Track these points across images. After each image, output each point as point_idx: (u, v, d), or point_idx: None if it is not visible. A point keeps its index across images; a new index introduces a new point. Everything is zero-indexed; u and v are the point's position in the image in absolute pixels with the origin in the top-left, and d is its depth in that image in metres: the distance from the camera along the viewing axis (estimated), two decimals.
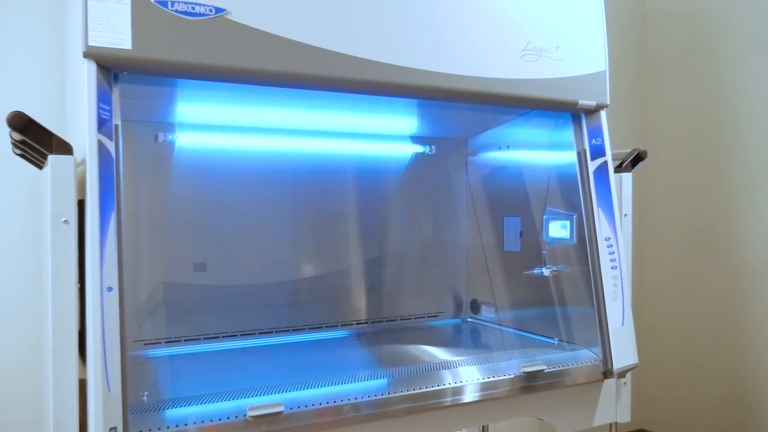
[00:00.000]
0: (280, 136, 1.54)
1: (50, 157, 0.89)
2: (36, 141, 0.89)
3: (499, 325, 1.66)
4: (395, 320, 1.69)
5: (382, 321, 1.67)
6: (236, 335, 1.48)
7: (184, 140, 1.42)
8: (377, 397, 1.09)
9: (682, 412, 2.26)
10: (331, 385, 1.10)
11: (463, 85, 1.21)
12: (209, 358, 1.37)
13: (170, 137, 1.39)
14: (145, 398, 1.01)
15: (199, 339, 1.43)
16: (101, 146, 0.91)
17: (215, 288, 1.47)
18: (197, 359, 1.36)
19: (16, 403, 1.46)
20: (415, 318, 1.72)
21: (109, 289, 0.89)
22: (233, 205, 1.50)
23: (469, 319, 1.78)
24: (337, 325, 1.60)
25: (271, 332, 1.52)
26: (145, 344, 1.38)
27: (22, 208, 1.47)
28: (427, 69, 1.17)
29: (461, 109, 1.46)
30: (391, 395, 1.10)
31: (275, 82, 1.09)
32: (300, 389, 1.07)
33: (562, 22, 1.33)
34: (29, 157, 1.08)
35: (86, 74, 0.91)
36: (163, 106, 1.31)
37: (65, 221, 0.89)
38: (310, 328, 1.56)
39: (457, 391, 1.16)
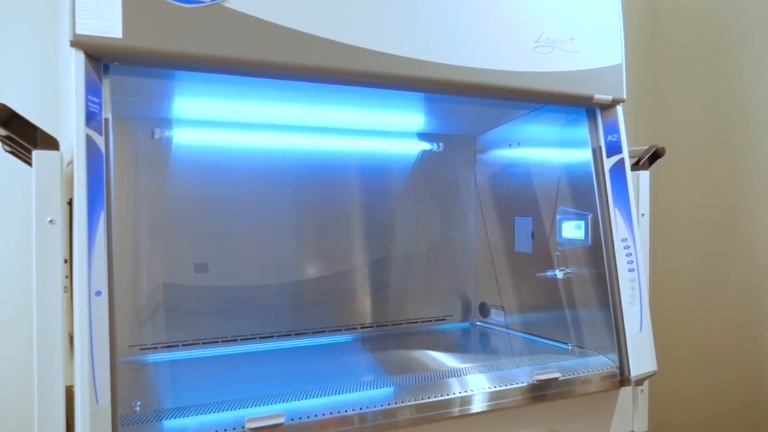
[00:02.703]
0: (283, 133, 1.48)
1: (34, 153, 0.83)
2: (20, 135, 0.83)
3: (510, 329, 1.60)
4: (401, 324, 1.63)
5: (387, 325, 1.61)
6: (236, 340, 1.42)
7: (182, 137, 1.36)
8: (383, 407, 1.03)
9: (697, 418, 2.20)
10: (335, 394, 1.04)
11: (472, 78, 1.15)
12: (207, 364, 1.32)
13: (168, 133, 1.34)
14: (138, 408, 0.95)
15: (198, 344, 1.38)
16: (90, 141, 0.85)
17: (215, 289, 1.41)
18: (195, 365, 1.31)
19: (14, 411, 1.40)
20: (421, 322, 1.66)
21: (98, 293, 0.84)
22: (234, 204, 1.44)
23: (477, 323, 1.72)
24: (341, 329, 1.55)
25: (272, 337, 1.46)
26: (141, 349, 1.33)
27: (18, 208, 1.41)
28: (435, 60, 1.11)
29: (470, 103, 1.40)
30: (397, 405, 1.04)
31: (276, 74, 1.03)
32: (302, 398, 1.01)
33: (577, 13, 1.27)
34: (18, 153, 1.02)
35: (74, 64, 0.86)
36: (159, 101, 1.25)
37: (51, 221, 0.84)
38: (312, 333, 1.51)
39: (467, 400, 1.10)
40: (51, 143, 0.84)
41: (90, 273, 0.83)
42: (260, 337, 1.45)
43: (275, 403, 0.99)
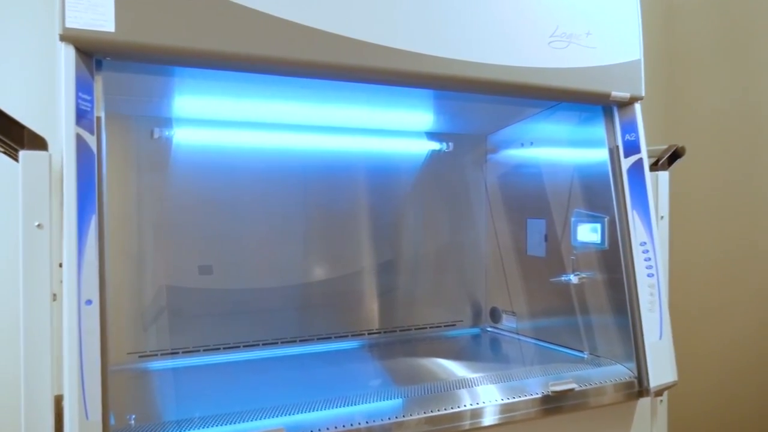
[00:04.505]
0: (288, 132, 1.44)
1: (21, 153, 0.79)
2: (5, 135, 0.79)
3: (521, 335, 1.55)
4: (409, 330, 1.58)
5: (395, 331, 1.56)
6: (239, 346, 1.37)
7: (183, 136, 1.31)
8: (390, 421, 0.98)
9: (713, 426, 2.14)
10: (340, 406, 0.99)
11: (484, 74, 1.10)
12: (208, 373, 1.27)
13: (168, 133, 1.29)
14: (132, 422, 0.90)
15: (199, 351, 1.33)
16: (80, 140, 0.81)
17: (220, 292, 1.36)
18: (195, 373, 1.26)
19: (7, 422, 1.36)
20: (430, 327, 1.61)
21: (88, 302, 0.79)
22: (238, 205, 1.39)
23: (488, 329, 1.66)
24: (347, 336, 1.50)
25: (276, 343, 1.41)
26: (140, 357, 1.28)
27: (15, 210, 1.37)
28: (445, 56, 1.06)
29: (481, 101, 1.34)
30: (405, 418, 0.99)
31: (278, 71, 0.98)
32: (305, 411, 0.97)
33: (593, 6, 1.21)
34: (10, 153, 0.98)
35: (63, 60, 0.81)
36: (157, 99, 1.20)
37: (38, 225, 0.79)
38: (318, 339, 1.46)
39: (478, 413, 1.05)
40: (39, 143, 0.80)
41: (80, 280, 0.78)
42: (263, 344, 1.40)
43: (277, 416, 0.94)
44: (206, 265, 1.37)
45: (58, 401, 0.82)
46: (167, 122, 1.29)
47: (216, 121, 1.34)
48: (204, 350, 1.34)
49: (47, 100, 1.35)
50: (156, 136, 1.28)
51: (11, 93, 1.35)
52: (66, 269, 0.78)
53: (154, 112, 1.27)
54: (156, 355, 1.29)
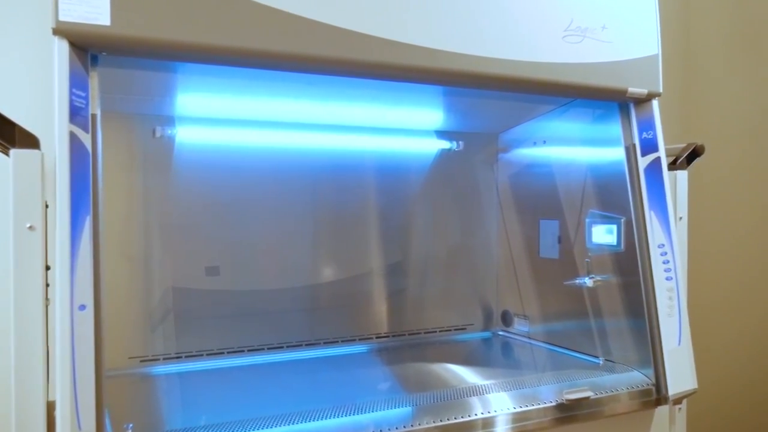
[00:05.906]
0: (295, 131, 1.40)
1: (12, 152, 0.76)
2: None
3: (534, 339, 1.50)
4: (419, 333, 1.54)
5: (404, 334, 1.52)
6: (243, 350, 1.34)
7: (186, 135, 1.28)
8: (399, 430, 0.94)
9: None
10: (348, 414, 0.96)
11: (496, 70, 1.06)
12: (212, 378, 1.23)
13: (170, 132, 1.26)
14: (130, 431, 0.87)
15: (202, 355, 1.30)
16: (74, 139, 0.78)
17: (226, 293, 1.33)
18: (197, 379, 1.22)
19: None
20: (440, 331, 1.57)
21: (82, 307, 0.76)
22: (243, 206, 1.36)
23: (500, 333, 1.62)
24: (354, 340, 1.46)
25: (282, 347, 1.38)
26: (141, 361, 1.25)
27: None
28: (455, 51, 1.02)
29: (493, 98, 1.30)
30: (415, 427, 0.95)
31: (283, 66, 0.95)
32: (311, 419, 0.93)
33: None
34: (5, 152, 0.95)
35: (56, 54, 0.78)
36: (159, 97, 1.17)
37: (30, 227, 0.76)
38: (324, 343, 1.42)
39: (489, 422, 1.01)
40: (30, 141, 0.77)
41: (73, 284, 0.75)
42: (269, 348, 1.36)
43: (281, 425, 0.91)
44: (213, 266, 1.33)
45: (50, 408, 0.79)
46: (169, 120, 1.26)
47: (220, 119, 1.31)
48: (207, 354, 1.31)
49: (42, 97, 1.31)
50: (158, 135, 1.25)
51: (5, 90, 1.31)
52: (59, 273, 0.74)
53: (156, 110, 1.24)
54: (158, 359, 1.26)
